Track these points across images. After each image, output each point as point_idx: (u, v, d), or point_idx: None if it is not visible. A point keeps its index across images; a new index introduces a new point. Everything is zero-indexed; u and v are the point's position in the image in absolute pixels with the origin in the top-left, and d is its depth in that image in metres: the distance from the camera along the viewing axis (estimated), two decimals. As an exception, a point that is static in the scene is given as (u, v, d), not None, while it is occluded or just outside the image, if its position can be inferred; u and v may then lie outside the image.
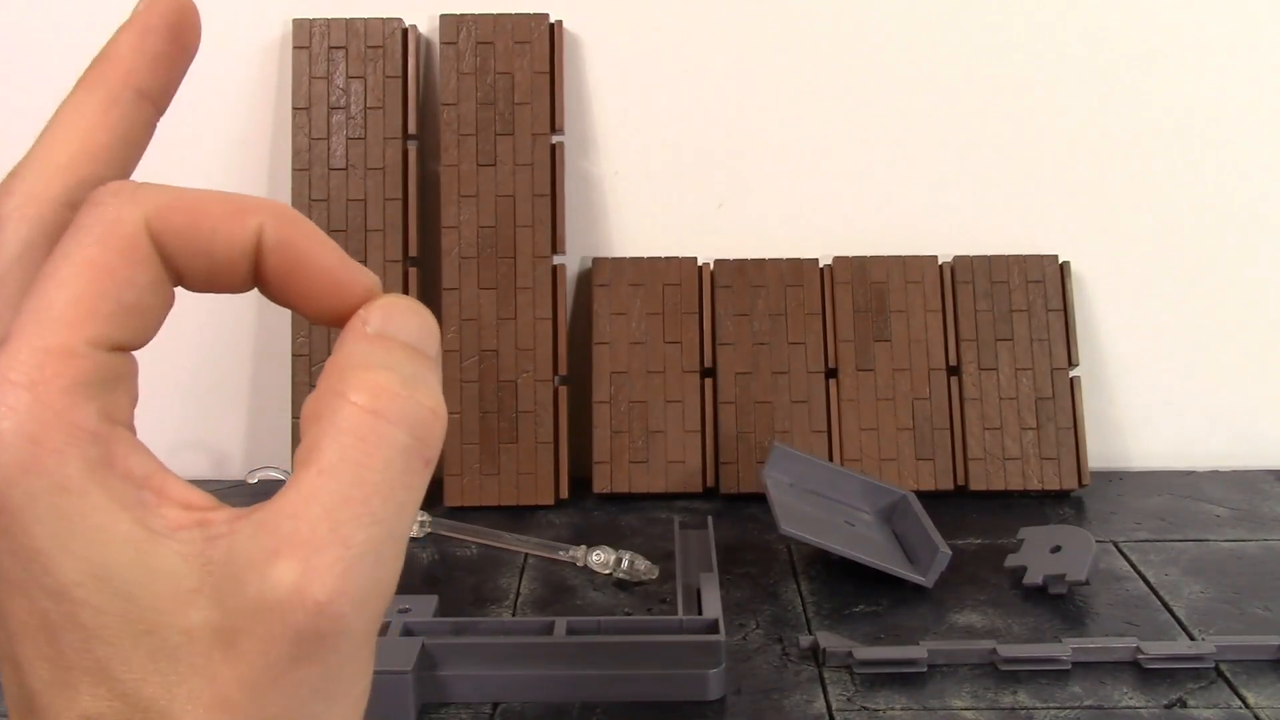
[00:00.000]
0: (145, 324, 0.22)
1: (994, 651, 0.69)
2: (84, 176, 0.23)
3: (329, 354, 0.84)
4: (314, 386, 0.89)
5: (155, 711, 0.21)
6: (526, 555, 0.84)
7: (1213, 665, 0.69)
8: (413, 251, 0.94)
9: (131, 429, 0.22)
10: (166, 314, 0.23)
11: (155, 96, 0.25)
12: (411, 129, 0.95)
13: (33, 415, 0.21)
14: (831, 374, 0.96)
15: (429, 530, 0.86)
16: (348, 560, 0.21)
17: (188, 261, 0.23)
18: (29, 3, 0.95)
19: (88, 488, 0.21)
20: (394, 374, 0.23)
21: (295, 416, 0.93)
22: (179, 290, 0.24)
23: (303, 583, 0.21)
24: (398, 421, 0.22)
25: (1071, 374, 0.96)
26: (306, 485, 0.22)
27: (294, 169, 0.94)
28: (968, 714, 0.65)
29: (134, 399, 0.23)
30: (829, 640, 0.70)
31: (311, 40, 0.94)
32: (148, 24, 0.25)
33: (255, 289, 0.24)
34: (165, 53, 0.25)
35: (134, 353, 0.23)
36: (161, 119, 0.26)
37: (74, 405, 0.21)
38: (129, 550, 0.21)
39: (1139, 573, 0.81)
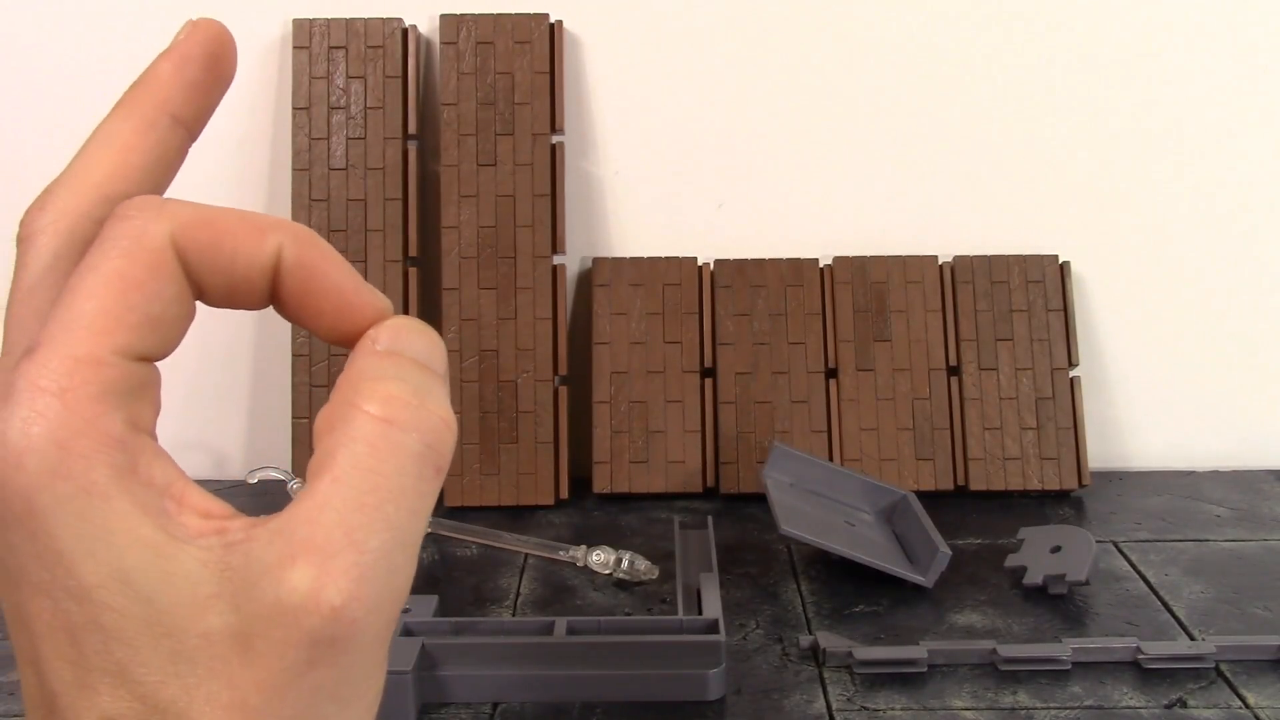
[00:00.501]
0: (169, 335, 0.23)
1: (994, 651, 0.69)
2: (115, 195, 0.24)
3: (329, 354, 0.85)
4: (314, 386, 0.89)
5: (174, 713, 0.21)
6: (526, 555, 0.84)
7: (1213, 665, 0.69)
8: (413, 251, 0.94)
9: (154, 437, 0.23)
10: (188, 326, 0.24)
11: (189, 122, 0.26)
12: (411, 129, 0.95)
13: (62, 422, 0.21)
14: (831, 374, 0.96)
15: (429, 530, 0.86)
16: (362, 565, 0.22)
17: (209, 277, 0.23)
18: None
19: (112, 493, 0.21)
20: (405, 384, 0.23)
21: (295, 417, 0.93)
22: None
23: (317, 587, 0.21)
24: (410, 429, 0.23)
25: (1071, 374, 0.96)
26: (321, 493, 0.22)
27: (294, 169, 0.94)
28: (968, 714, 0.65)
29: (157, 408, 0.23)
30: (829, 640, 0.70)
31: (311, 40, 0.94)
32: (187, 53, 0.26)
33: (270, 307, 0.25)
34: (201, 81, 0.26)
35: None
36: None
37: (102, 413, 0.22)
38: (150, 555, 0.21)
39: (1139, 573, 0.81)
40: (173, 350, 0.23)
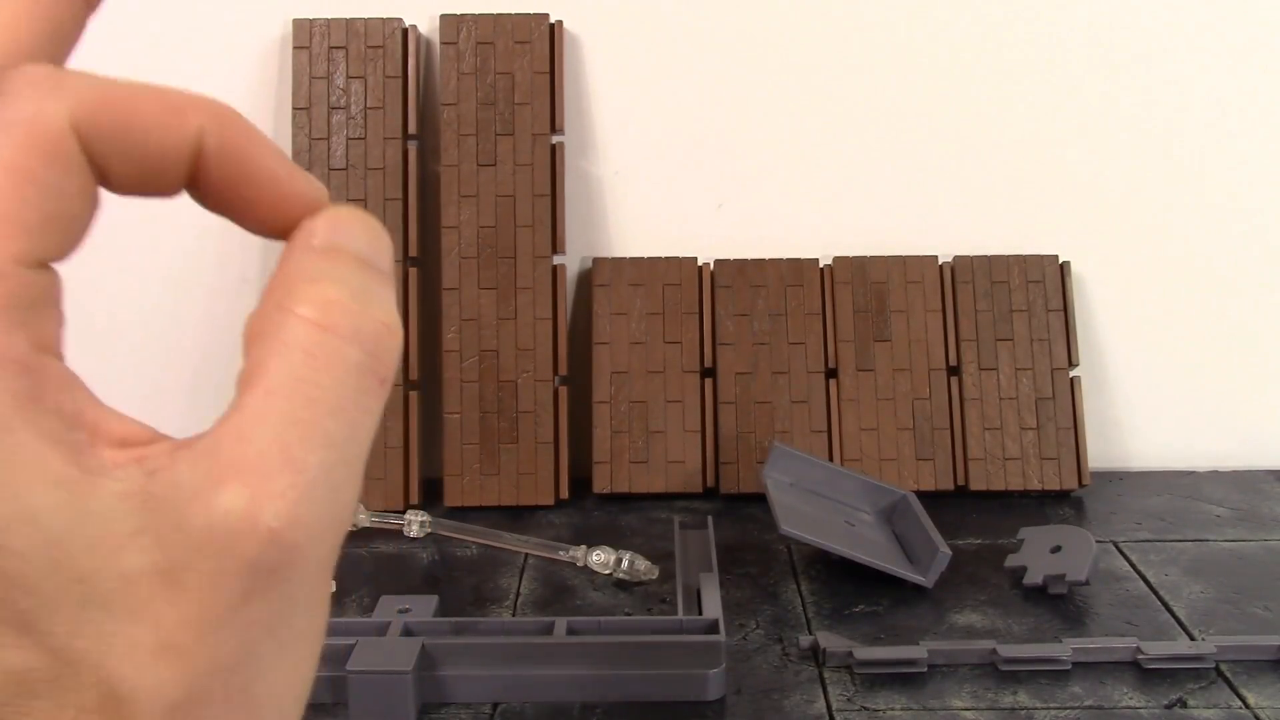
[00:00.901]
0: (71, 234, 0.20)
1: (994, 651, 0.69)
2: (5, 69, 0.21)
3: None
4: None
5: (88, 665, 0.19)
6: (526, 555, 0.84)
7: (1213, 665, 0.69)
8: (413, 251, 0.94)
9: (61, 357, 0.20)
10: (93, 221, 0.21)
11: None
12: (411, 129, 0.95)
13: None
14: (831, 374, 0.96)
15: (429, 530, 0.86)
16: (300, 485, 0.20)
17: (116, 164, 0.20)
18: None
19: (15, 424, 0.19)
20: (344, 286, 0.21)
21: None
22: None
23: (253, 509, 0.19)
24: (349, 336, 0.21)
25: (1071, 374, 0.96)
26: (252, 407, 0.20)
27: (294, 169, 0.93)
28: (968, 714, 0.65)
29: (62, 321, 0.21)
30: (829, 640, 0.70)
31: (311, 40, 0.94)
32: None
33: (186, 194, 0.22)
34: None
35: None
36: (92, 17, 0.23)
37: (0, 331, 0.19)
38: (60, 492, 0.19)
39: (1139, 573, 0.81)
40: (74, 251, 0.21)
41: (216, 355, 0.99)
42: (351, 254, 0.21)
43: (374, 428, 0.21)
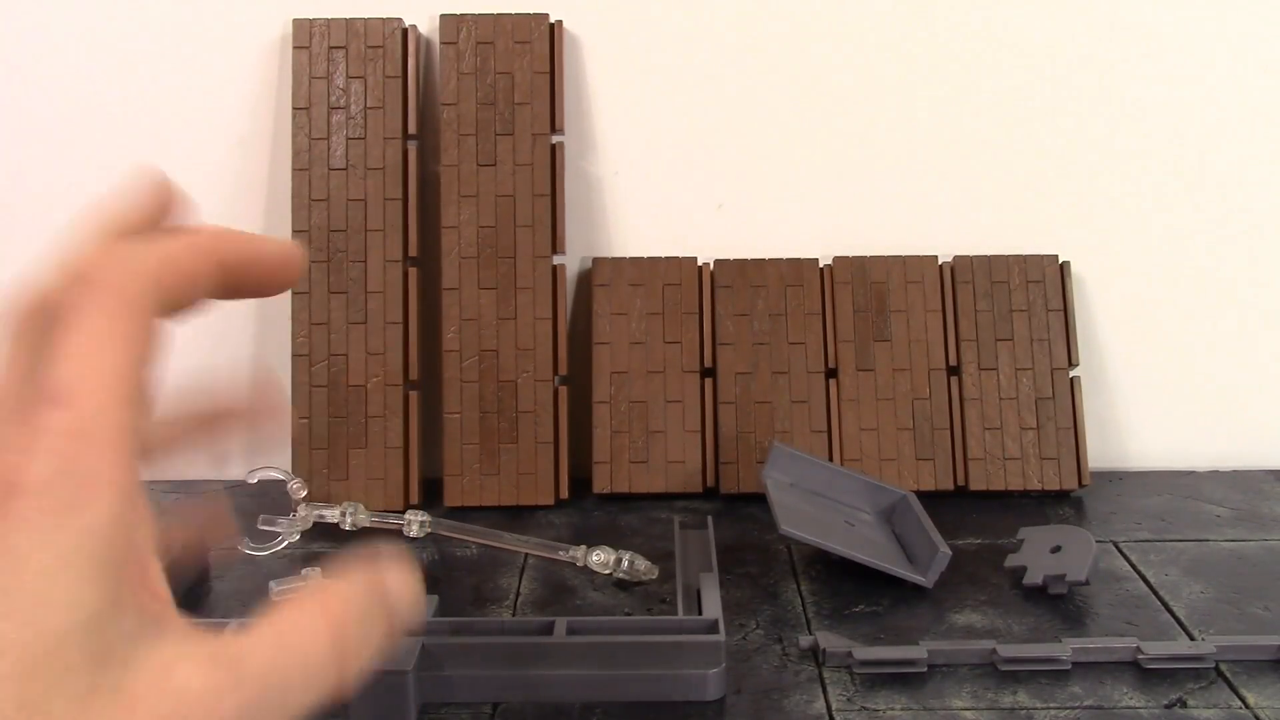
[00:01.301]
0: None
1: (994, 651, 0.69)
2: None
3: (329, 354, 0.85)
4: (314, 386, 0.89)
5: None
6: (526, 555, 0.84)
7: (1213, 665, 0.69)
8: (413, 251, 0.94)
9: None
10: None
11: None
12: (411, 129, 0.95)
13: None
14: (831, 374, 0.96)
15: (429, 530, 0.86)
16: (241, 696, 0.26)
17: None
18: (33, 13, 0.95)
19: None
20: (361, 626, 0.28)
21: (296, 417, 0.93)
22: None
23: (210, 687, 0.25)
24: (337, 659, 0.28)
25: (1071, 374, 0.96)
26: (247, 640, 0.27)
27: (294, 169, 0.94)
28: (968, 714, 0.65)
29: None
30: (829, 640, 0.70)
31: (311, 40, 0.94)
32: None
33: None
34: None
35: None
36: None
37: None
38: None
39: (1139, 573, 0.81)
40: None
41: (215, 356, 0.99)
42: (385, 600, 0.30)
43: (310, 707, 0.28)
